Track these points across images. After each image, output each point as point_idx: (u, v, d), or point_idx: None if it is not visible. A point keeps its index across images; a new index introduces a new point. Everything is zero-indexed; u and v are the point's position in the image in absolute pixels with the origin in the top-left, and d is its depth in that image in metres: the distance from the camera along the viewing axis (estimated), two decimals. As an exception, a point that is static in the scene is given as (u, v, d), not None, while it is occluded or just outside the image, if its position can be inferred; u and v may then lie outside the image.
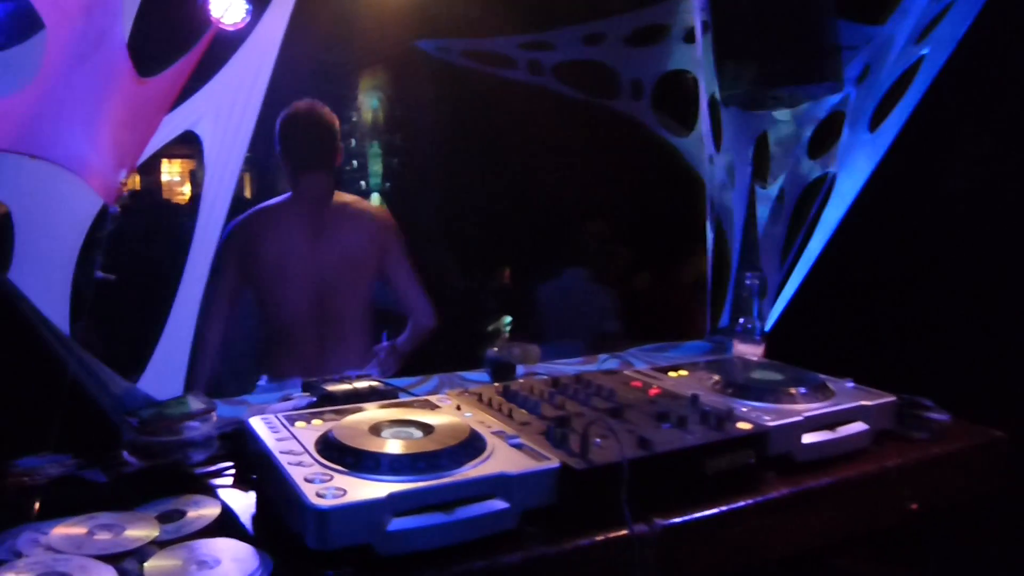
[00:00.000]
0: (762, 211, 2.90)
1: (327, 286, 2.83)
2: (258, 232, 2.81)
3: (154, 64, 1.27)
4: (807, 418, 1.57)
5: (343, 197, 2.95)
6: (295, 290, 2.80)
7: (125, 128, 1.12)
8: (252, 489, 1.44)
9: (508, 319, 2.10)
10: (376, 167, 6.55)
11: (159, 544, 1.23)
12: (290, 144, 2.86)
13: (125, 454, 1.53)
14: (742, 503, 1.43)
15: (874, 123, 2.54)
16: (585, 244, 4.86)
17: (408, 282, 2.99)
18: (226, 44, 1.86)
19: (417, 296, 3.01)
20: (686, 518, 1.36)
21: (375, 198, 6.62)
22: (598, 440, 1.36)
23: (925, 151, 2.50)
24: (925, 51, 2.42)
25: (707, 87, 2.80)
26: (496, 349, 2.09)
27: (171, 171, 10.80)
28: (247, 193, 8.84)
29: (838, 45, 2.60)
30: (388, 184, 6.56)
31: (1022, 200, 2.25)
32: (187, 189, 10.12)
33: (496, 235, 5.40)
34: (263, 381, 2.80)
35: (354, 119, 6.69)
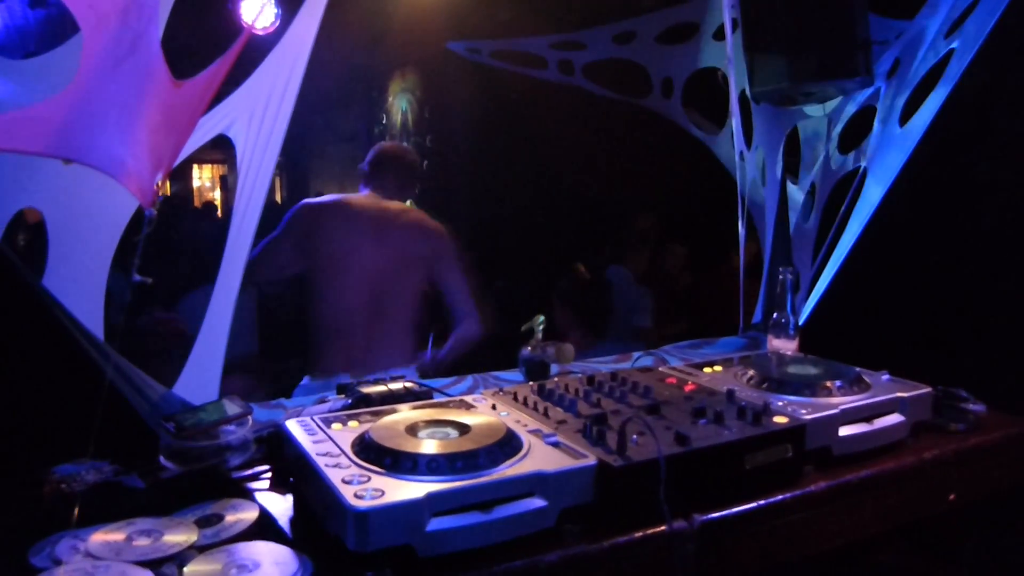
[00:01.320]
0: (793, 205, 2.87)
1: (382, 284, 2.92)
2: (332, 216, 2.93)
3: (189, 66, 1.29)
4: (843, 411, 1.55)
5: (414, 211, 3.14)
6: (353, 282, 2.89)
7: (160, 131, 1.14)
8: (290, 492, 1.45)
9: (541, 318, 2.09)
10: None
11: (198, 549, 1.24)
12: (377, 173, 3.11)
13: (162, 459, 1.54)
14: (781, 497, 1.42)
15: (904, 117, 2.52)
16: (634, 241, 4.84)
17: (459, 291, 3.08)
18: (257, 48, 1.88)
19: (467, 305, 3.09)
20: (725, 513, 1.36)
21: (407, 202, 6.65)
22: (635, 437, 1.36)
23: (955, 144, 2.47)
24: (955, 45, 2.39)
25: (737, 84, 2.78)
26: (530, 348, 2.09)
27: (203, 176, 10.94)
28: (277, 198, 8.93)
29: (869, 40, 2.58)
30: (418, 187, 6.58)
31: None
32: (218, 194, 10.27)
33: (527, 235, 5.40)
34: (305, 381, 2.83)
35: (384, 122, 6.73)
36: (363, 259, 2.90)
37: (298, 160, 7.84)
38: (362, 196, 3.07)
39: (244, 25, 1.51)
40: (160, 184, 1.20)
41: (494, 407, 1.57)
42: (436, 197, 6.43)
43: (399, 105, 6.64)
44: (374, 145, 3.23)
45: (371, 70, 6.43)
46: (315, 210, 2.95)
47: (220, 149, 1.92)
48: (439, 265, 3.05)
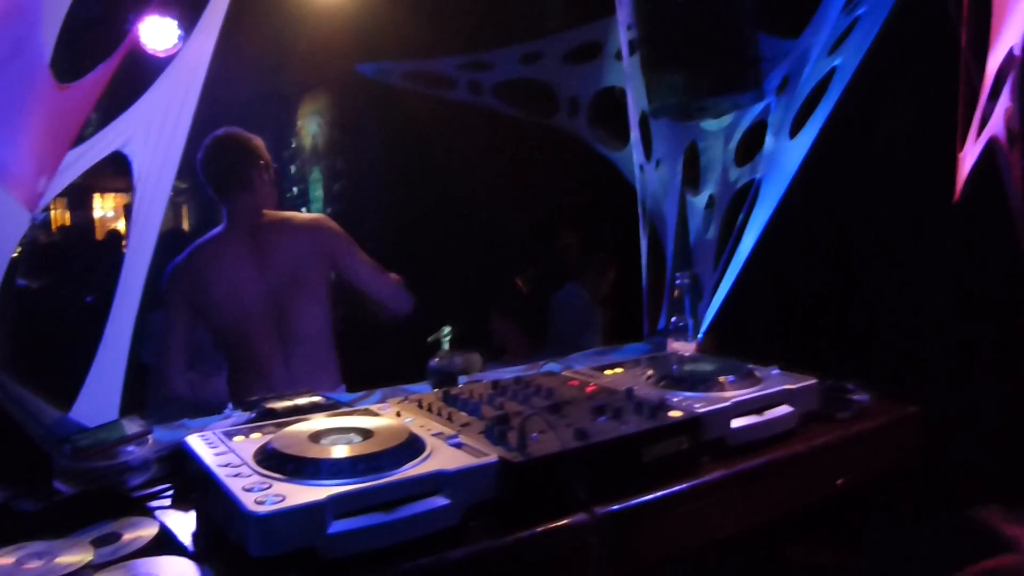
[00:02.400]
0: (694, 217, 2.98)
1: (283, 306, 2.77)
2: (203, 267, 2.75)
3: (73, 71, 1.27)
4: (735, 403, 1.62)
5: (278, 215, 2.88)
6: (253, 317, 2.75)
7: (45, 135, 1.12)
8: (192, 508, 1.43)
9: (447, 329, 2.11)
10: (317, 192, 6.54)
11: (94, 568, 1.22)
12: (207, 169, 2.84)
13: (56, 483, 1.50)
14: (679, 487, 1.47)
15: (794, 130, 2.65)
16: (559, 257, 4.94)
17: (370, 274, 2.90)
18: (157, 66, 1.86)
19: (385, 284, 2.93)
20: (625, 504, 1.40)
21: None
22: (536, 435, 1.39)
23: (841, 154, 2.61)
24: (837, 62, 2.54)
25: (635, 100, 2.87)
26: (438, 360, 2.11)
27: (104, 206, 10.64)
28: (185, 226, 8.73)
29: (759, 57, 2.70)
30: (330, 209, 6.54)
31: (925, 196, 2.37)
32: (122, 224, 9.98)
33: (439, 256, 5.43)
34: (228, 410, 2.74)
35: (294, 145, 6.67)
36: (255, 289, 2.74)
37: (204, 186, 7.69)
38: (225, 227, 2.82)
39: (144, 48, 1.50)
40: (44, 188, 1.18)
41: (399, 414, 1.59)
42: (348, 219, 6.41)
43: (309, 128, 6.61)
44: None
45: (279, 93, 6.39)
46: (187, 265, 2.76)
47: (122, 176, 1.89)
48: (340, 260, 2.86)
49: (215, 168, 2.83)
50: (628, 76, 2.81)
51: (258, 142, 2.90)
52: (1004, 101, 2.42)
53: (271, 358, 2.76)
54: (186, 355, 2.76)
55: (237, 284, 2.73)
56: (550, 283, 4.72)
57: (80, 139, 1.74)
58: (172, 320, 2.73)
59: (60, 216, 9.95)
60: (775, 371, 1.85)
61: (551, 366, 2.26)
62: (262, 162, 2.87)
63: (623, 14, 2.76)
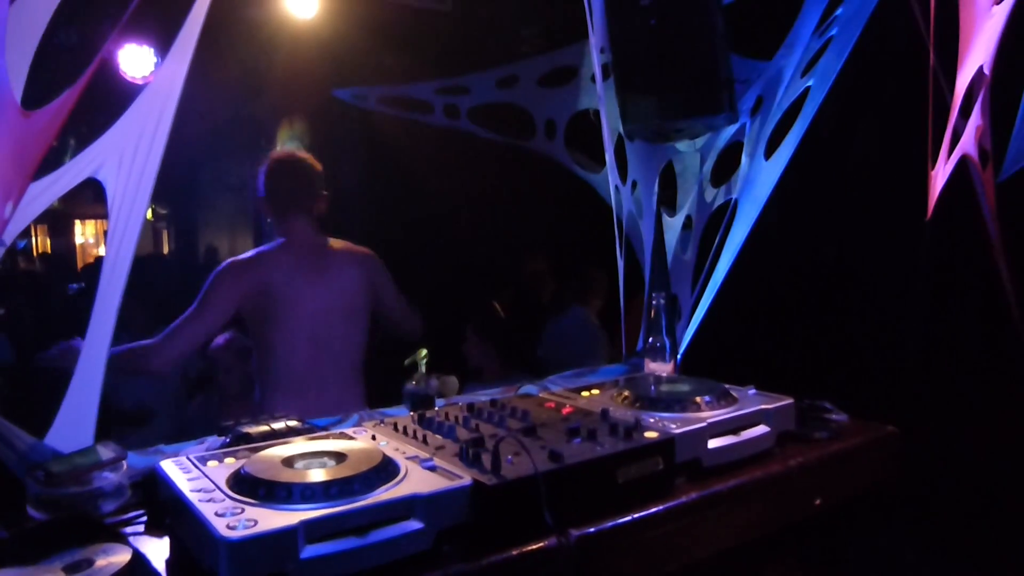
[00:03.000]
0: (671, 238, 3.00)
1: (332, 329, 2.88)
2: (269, 272, 2.82)
3: (39, 97, 1.27)
4: (711, 424, 1.63)
5: (336, 242, 3.04)
6: (304, 332, 2.83)
7: (8, 161, 1.12)
8: (165, 534, 1.42)
9: (424, 352, 2.11)
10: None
11: (66, 594, 1.21)
12: (273, 188, 2.95)
13: (29, 510, 1.48)
14: (655, 509, 1.47)
15: (769, 150, 2.68)
16: (520, 279, 4.96)
17: (398, 302, 3.14)
18: (133, 92, 1.86)
19: (406, 313, 3.17)
20: (601, 527, 1.39)
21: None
22: (510, 457, 1.39)
23: (815, 174, 2.64)
24: (810, 83, 2.57)
25: (610, 123, 2.90)
26: (414, 383, 2.10)
27: (86, 233, 10.59)
28: (165, 250, 8.70)
29: (731, 78, 2.74)
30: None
31: (898, 215, 2.41)
32: (103, 250, 9.93)
33: (419, 279, 5.43)
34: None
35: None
36: (308, 307, 2.84)
37: (186, 212, 7.68)
38: (283, 243, 2.92)
39: (96, 58, 1.49)
40: (10, 215, 1.18)
41: (374, 437, 1.58)
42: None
43: (288, 153, 6.60)
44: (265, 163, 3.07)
45: (258, 119, 6.39)
46: (244, 267, 2.84)
47: (102, 203, 1.88)
48: (379, 290, 3.05)
49: (282, 187, 2.94)
50: (602, 99, 2.84)
51: (319, 166, 3.06)
52: (975, 119, 2.46)
53: (310, 376, 2.83)
54: (192, 346, 2.81)
55: (297, 299, 2.82)
56: (532, 306, 4.73)
57: (55, 165, 1.74)
58: (207, 307, 2.76)
59: (41, 243, 9.89)
60: (752, 391, 1.86)
61: (528, 388, 2.26)
62: (322, 190, 3.02)
63: (596, 38, 2.79)
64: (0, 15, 1.11)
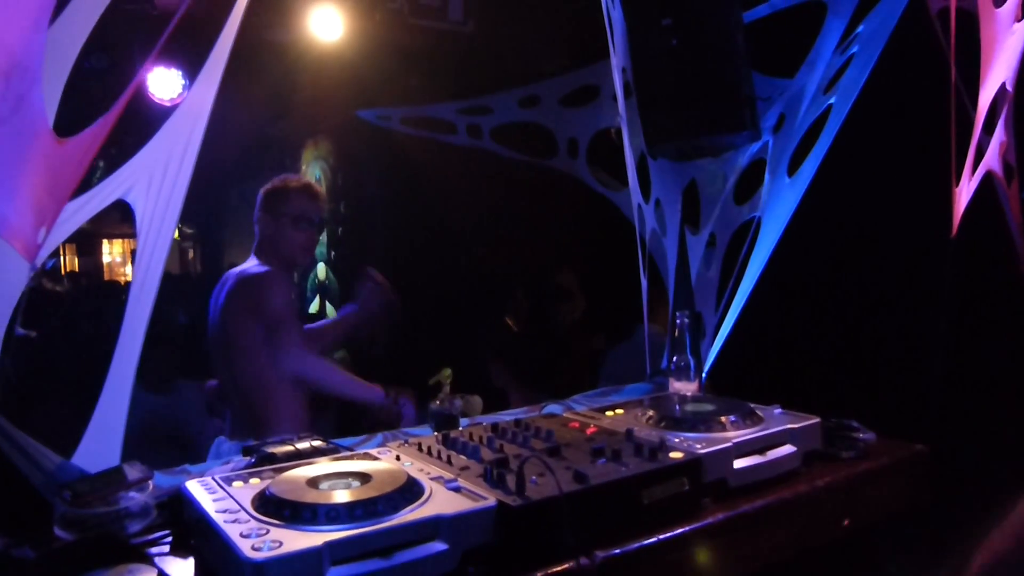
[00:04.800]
0: (695, 255, 2.99)
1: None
2: (272, 289, 2.80)
3: (73, 125, 1.30)
4: (736, 444, 1.61)
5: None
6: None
7: (43, 188, 1.14)
8: (191, 555, 1.43)
9: (448, 371, 2.11)
10: (321, 236, 6.58)
11: (93, 614, 1.21)
12: (294, 206, 2.91)
13: (56, 530, 1.49)
14: (680, 530, 1.46)
15: (792, 168, 2.67)
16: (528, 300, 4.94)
17: None
18: (162, 114, 1.89)
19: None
20: (626, 548, 1.38)
21: (320, 268, 6.62)
22: (535, 478, 1.38)
23: (839, 191, 2.62)
24: (832, 100, 2.56)
25: (631, 141, 2.90)
26: (438, 402, 2.11)
27: (113, 251, 10.72)
28: (197, 268, 8.79)
29: (754, 96, 2.73)
30: (334, 252, 6.58)
31: (923, 231, 2.38)
32: (129, 269, 10.05)
33: (442, 298, 5.44)
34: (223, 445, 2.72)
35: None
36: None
37: (212, 231, 7.76)
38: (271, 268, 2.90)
39: (128, 86, 1.52)
40: (43, 240, 1.20)
41: (398, 458, 1.58)
42: (351, 262, 6.45)
43: (312, 173, 6.67)
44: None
45: (283, 139, 6.47)
46: (260, 280, 2.83)
47: (129, 222, 1.91)
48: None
49: (299, 208, 2.90)
50: (624, 118, 2.85)
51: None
52: (999, 135, 2.44)
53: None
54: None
55: (292, 314, 2.82)
56: (553, 321, 4.70)
57: (86, 187, 1.77)
58: (249, 326, 2.78)
59: (69, 262, 10.03)
60: (777, 410, 1.84)
61: (552, 407, 2.25)
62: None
63: (618, 57, 2.80)
64: (37, 46, 1.14)
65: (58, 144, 1.19)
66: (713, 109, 2.73)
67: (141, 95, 4.30)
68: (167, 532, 1.56)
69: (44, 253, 1.32)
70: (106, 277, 10.20)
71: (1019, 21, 2.01)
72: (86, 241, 10.14)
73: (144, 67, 1.60)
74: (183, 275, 8.59)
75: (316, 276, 6.65)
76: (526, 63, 4.80)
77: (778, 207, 2.73)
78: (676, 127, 2.81)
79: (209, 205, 6.39)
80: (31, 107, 1.11)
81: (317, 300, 6.67)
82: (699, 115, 2.75)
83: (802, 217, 2.60)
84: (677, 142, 2.85)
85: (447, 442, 1.67)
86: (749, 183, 2.88)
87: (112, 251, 10.79)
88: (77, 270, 10.09)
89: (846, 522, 1.72)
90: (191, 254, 9.39)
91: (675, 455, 1.51)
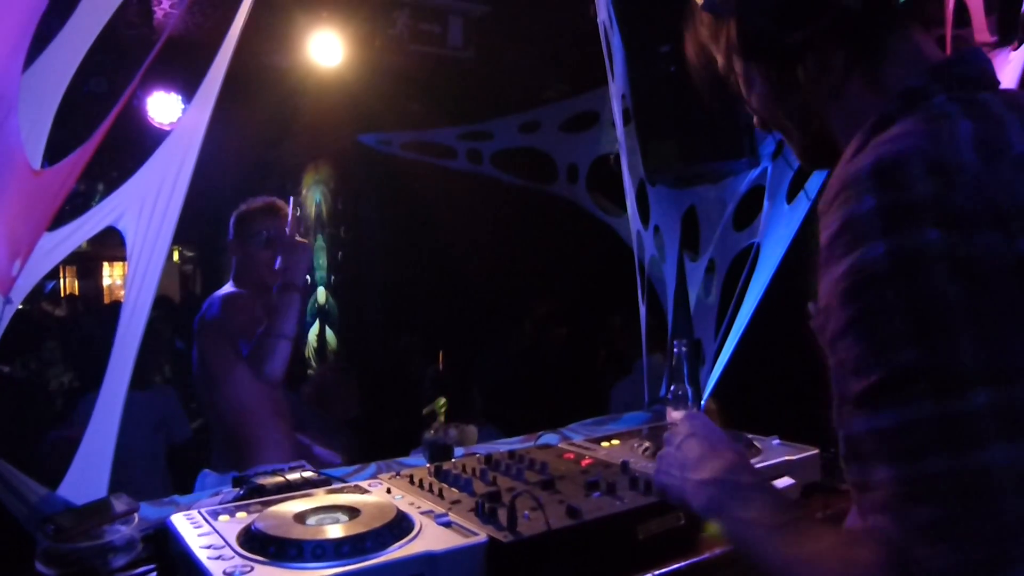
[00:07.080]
0: (695, 282, 2.97)
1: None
2: (241, 314, 2.69)
3: (51, 155, 1.28)
4: (734, 477, 1.57)
5: None
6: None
7: (19, 219, 1.12)
8: (175, 590, 1.40)
9: (443, 400, 2.08)
10: (321, 260, 6.57)
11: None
12: (260, 229, 2.81)
13: (38, 565, 1.46)
14: (676, 566, 1.42)
15: (791, 194, 2.65)
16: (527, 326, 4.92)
17: None
18: (159, 138, 1.87)
19: None
20: (620, 586, 1.35)
21: (320, 292, 6.60)
22: (527, 513, 1.35)
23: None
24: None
25: (631, 167, 2.89)
26: (432, 432, 2.07)
27: (113, 274, 10.72)
28: (198, 288, 8.79)
29: (751, 123, 2.72)
30: (334, 277, 6.56)
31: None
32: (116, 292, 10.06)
33: (442, 323, 5.42)
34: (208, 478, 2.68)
35: (298, 213, 6.74)
36: None
37: (214, 254, 7.77)
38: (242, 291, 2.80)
39: (115, 113, 1.48)
40: (18, 273, 1.18)
41: (389, 491, 1.55)
42: (350, 287, 6.44)
43: (313, 197, 6.67)
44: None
45: (284, 163, 6.48)
46: (232, 303, 2.74)
47: (115, 243, 1.89)
48: None
49: (261, 226, 2.80)
50: (623, 144, 2.84)
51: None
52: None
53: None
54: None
55: None
56: (541, 352, 4.67)
57: (81, 211, 1.75)
58: (222, 354, 2.66)
59: (68, 285, 10.02)
60: (776, 441, 1.81)
61: (548, 437, 2.22)
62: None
63: (617, 84, 2.80)
64: (12, 80, 1.13)
65: (35, 176, 1.17)
66: (712, 136, 2.72)
67: (141, 118, 4.30)
68: (152, 567, 1.53)
69: (23, 284, 1.29)
70: (105, 299, 10.18)
71: (1015, 49, 2.00)
72: (84, 265, 10.14)
73: (130, 92, 1.57)
74: (185, 296, 8.61)
75: (316, 300, 6.63)
76: (526, 89, 4.82)
77: (777, 233, 2.71)
78: (675, 153, 2.80)
79: (204, 230, 6.38)
80: (7, 138, 1.09)
81: (317, 324, 6.64)
82: (698, 142, 2.74)
83: (801, 243, 2.58)
84: (676, 168, 2.83)
85: (439, 474, 1.64)
86: (748, 210, 2.86)
87: (112, 273, 10.78)
88: (77, 293, 10.09)
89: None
90: (191, 276, 9.41)
91: (671, 489, 1.48)
